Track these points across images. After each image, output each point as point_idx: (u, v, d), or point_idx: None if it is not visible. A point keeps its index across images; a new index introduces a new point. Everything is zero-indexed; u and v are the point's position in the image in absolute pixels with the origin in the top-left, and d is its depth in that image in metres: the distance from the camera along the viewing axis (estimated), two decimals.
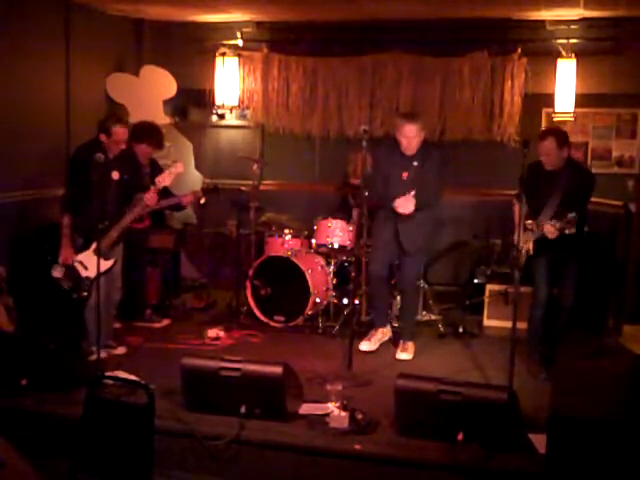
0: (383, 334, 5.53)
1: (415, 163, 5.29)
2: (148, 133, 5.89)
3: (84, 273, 5.01)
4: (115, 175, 5.04)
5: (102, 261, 4.75)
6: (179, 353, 4.71)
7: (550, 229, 4.78)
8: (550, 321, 5.34)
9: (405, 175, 5.29)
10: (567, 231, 4.72)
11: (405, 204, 5.19)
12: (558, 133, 5.04)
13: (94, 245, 4.93)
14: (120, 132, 5.04)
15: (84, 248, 5.04)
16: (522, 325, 5.60)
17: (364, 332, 5.63)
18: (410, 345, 5.45)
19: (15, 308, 5.37)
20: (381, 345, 5.56)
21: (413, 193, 5.18)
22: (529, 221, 4.99)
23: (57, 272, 5.03)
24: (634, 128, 6.92)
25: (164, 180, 5.18)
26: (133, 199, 5.15)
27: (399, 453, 3.81)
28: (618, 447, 3.37)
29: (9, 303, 5.34)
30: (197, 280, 7.36)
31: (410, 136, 5.22)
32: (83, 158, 5.02)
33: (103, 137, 5.03)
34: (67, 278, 5.03)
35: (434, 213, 5.44)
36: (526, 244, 5.00)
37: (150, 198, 5.14)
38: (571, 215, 4.69)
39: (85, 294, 5.02)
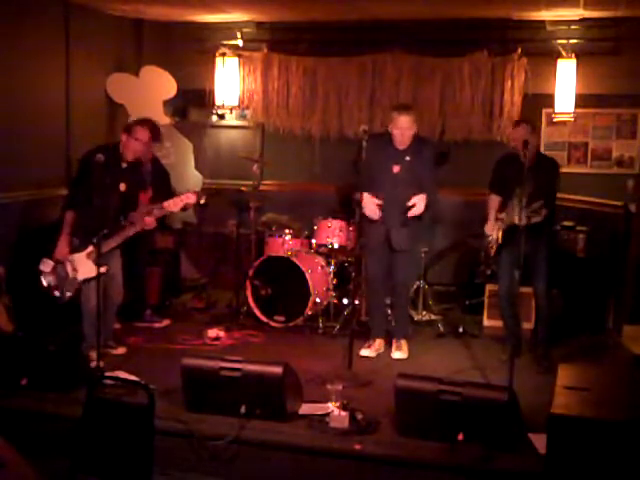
0: (380, 345, 5.51)
1: (407, 158, 5.28)
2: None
3: (72, 274, 5.00)
4: (122, 187, 5.06)
5: (94, 267, 4.76)
6: (179, 353, 4.72)
7: (517, 219, 4.85)
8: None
9: (396, 169, 5.28)
10: (533, 219, 4.75)
11: (418, 204, 5.16)
12: (528, 120, 5.37)
13: (89, 249, 4.94)
14: (140, 131, 5.09)
15: (78, 250, 5.03)
16: (524, 325, 5.63)
17: (364, 332, 5.62)
18: (403, 343, 5.44)
19: (14, 308, 5.37)
20: None
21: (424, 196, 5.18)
22: (501, 214, 5.14)
23: (45, 266, 5.02)
24: (634, 128, 6.91)
25: (172, 206, 5.17)
26: (132, 216, 5.12)
27: (399, 453, 3.81)
28: (618, 447, 3.37)
29: (8, 303, 5.34)
30: (197, 280, 7.35)
31: (404, 127, 5.21)
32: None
33: (124, 136, 5.07)
34: (53, 274, 5.02)
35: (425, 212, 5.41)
36: (495, 232, 5.16)
37: (149, 224, 5.16)
38: (537, 204, 4.71)
39: (69, 294, 5.00)
